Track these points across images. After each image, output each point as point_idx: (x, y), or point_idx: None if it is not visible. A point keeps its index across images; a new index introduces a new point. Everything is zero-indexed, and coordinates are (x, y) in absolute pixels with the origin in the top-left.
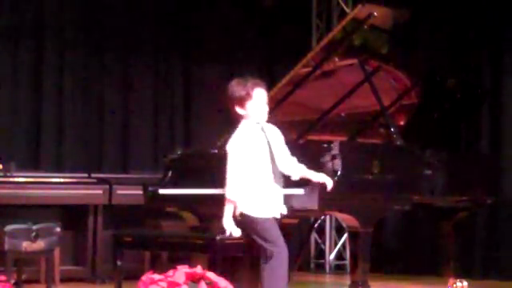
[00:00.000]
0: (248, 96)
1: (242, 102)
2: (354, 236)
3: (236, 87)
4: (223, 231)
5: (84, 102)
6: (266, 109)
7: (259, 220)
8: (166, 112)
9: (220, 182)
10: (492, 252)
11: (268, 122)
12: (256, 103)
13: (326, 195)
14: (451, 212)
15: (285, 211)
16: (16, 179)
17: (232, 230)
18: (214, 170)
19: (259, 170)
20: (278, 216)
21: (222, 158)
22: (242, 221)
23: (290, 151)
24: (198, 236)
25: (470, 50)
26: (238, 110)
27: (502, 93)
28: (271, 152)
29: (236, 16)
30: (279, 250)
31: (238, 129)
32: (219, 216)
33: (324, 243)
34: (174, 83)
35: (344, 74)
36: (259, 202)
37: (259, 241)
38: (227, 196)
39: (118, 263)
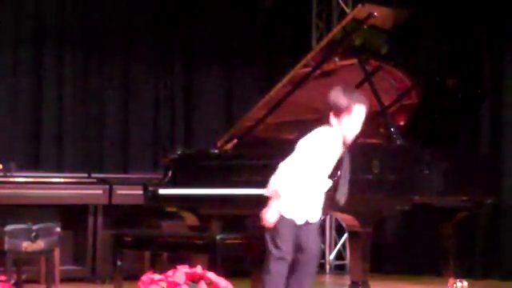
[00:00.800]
0: (347, 109)
1: (339, 112)
2: (353, 236)
3: (339, 95)
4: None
5: (84, 102)
6: (359, 129)
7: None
8: (166, 112)
9: (220, 182)
10: (492, 252)
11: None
12: (352, 119)
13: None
14: (451, 212)
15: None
16: (16, 179)
17: (269, 222)
18: (214, 170)
19: (312, 176)
20: (301, 222)
21: (221, 158)
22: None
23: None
24: (197, 236)
25: (470, 49)
26: (332, 119)
27: (502, 92)
28: (335, 165)
29: (236, 16)
30: (280, 254)
31: (320, 130)
32: (219, 216)
33: (324, 243)
34: (174, 83)
35: (344, 73)
36: (289, 201)
37: (266, 237)
38: (276, 188)
39: (118, 263)
